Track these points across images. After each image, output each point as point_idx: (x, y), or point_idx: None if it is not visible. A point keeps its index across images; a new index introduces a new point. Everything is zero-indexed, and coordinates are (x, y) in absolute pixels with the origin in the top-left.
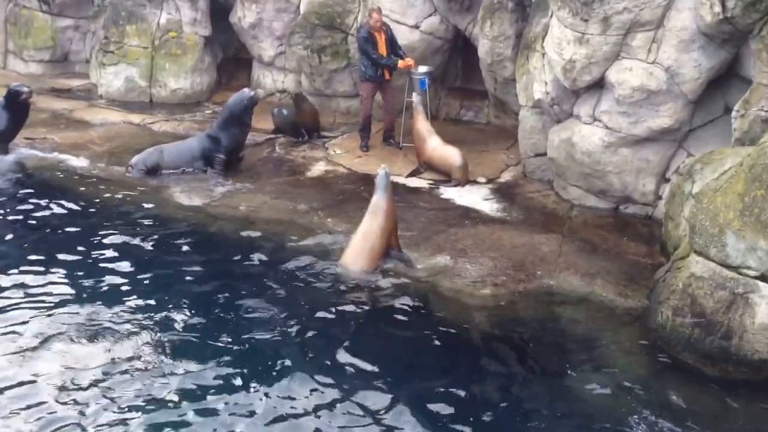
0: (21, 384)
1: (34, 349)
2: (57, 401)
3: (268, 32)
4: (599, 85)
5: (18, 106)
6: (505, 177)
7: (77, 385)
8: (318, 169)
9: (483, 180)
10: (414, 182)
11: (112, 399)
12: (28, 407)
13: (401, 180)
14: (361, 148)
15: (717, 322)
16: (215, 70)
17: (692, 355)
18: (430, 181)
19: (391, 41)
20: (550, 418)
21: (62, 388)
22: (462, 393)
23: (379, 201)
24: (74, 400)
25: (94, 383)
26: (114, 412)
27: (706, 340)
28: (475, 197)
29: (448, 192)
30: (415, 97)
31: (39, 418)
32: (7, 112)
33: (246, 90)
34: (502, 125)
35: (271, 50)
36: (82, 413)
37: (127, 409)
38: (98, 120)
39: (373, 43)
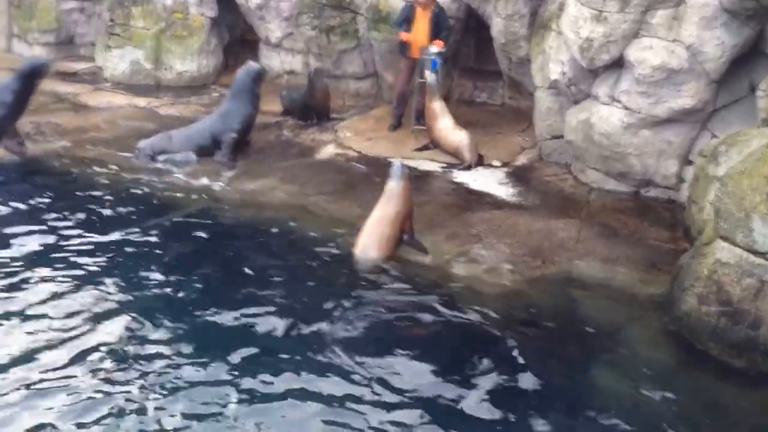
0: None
1: (35, 331)
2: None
3: (275, 13)
4: (618, 64)
5: (37, 82)
6: (521, 160)
7: (79, 364)
8: (327, 152)
9: (498, 163)
10: (426, 166)
11: (112, 383)
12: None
13: (412, 162)
14: (390, 127)
15: (744, 311)
16: (222, 52)
17: (718, 345)
18: (443, 165)
19: (437, 22)
20: (568, 410)
21: (63, 366)
22: (476, 382)
23: (394, 185)
24: (77, 381)
25: (93, 365)
26: (115, 398)
27: (733, 330)
28: (490, 181)
29: (461, 176)
30: (430, 76)
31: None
32: (22, 89)
33: (251, 62)
34: (517, 107)
35: (278, 31)
36: (84, 396)
37: (130, 396)
38: (104, 104)
39: (409, 18)
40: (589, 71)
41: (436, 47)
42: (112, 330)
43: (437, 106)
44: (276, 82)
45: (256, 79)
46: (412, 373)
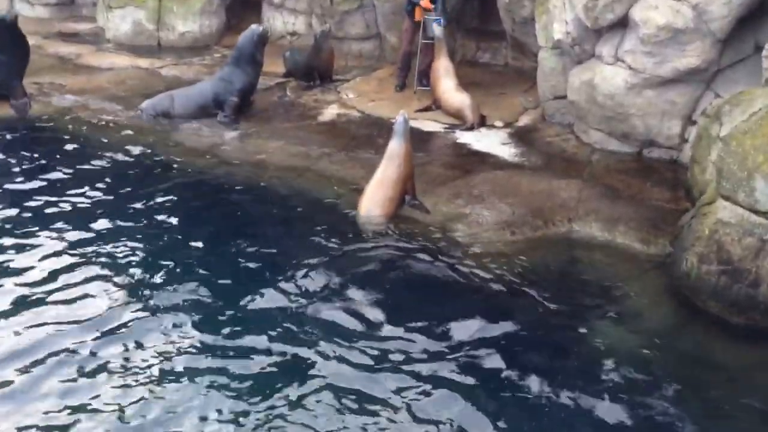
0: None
1: (38, 296)
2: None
3: None
4: (622, 23)
5: (12, 34)
6: (524, 121)
7: (84, 328)
8: (330, 113)
9: (500, 124)
10: (429, 126)
11: (117, 350)
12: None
13: (415, 123)
14: (395, 88)
15: (744, 270)
16: (224, 12)
17: (718, 303)
18: (445, 126)
19: None
20: (570, 371)
21: (65, 332)
22: (476, 341)
23: (396, 146)
24: (81, 347)
25: (97, 332)
26: (119, 366)
27: (733, 288)
28: (493, 142)
29: (464, 137)
30: (438, 29)
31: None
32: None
33: (254, 26)
34: (520, 67)
35: None
36: (89, 365)
37: (131, 364)
38: (106, 65)
39: None
40: (593, 31)
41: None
42: (114, 283)
43: (442, 66)
44: (278, 43)
45: (258, 43)
46: (411, 332)
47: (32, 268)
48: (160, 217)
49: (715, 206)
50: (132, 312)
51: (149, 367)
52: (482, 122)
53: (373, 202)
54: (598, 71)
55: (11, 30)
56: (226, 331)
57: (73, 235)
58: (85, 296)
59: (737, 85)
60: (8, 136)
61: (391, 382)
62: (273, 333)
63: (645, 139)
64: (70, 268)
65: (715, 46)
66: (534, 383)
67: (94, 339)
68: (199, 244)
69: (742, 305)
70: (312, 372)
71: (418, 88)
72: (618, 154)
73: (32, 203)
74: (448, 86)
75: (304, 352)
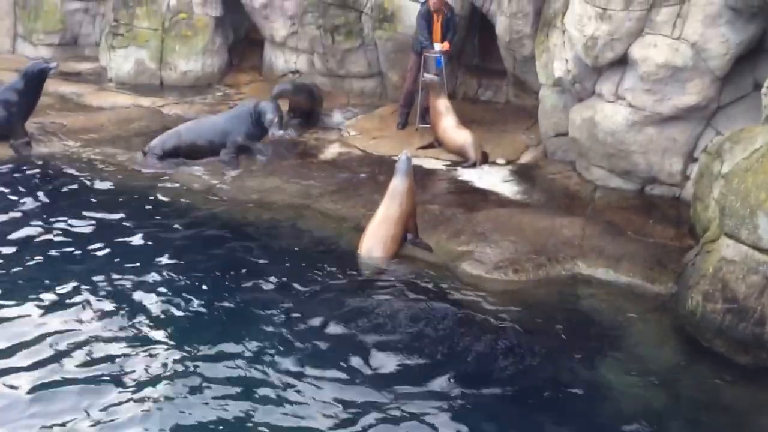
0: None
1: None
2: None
3: (279, 12)
4: (622, 61)
5: (40, 84)
6: (525, 158)
7: (88, 359)
8: (331, 151)
9: (502, 161)
10: (431, 164)
11: (117, 374)
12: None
13: (416, 160)
14: (397, 125)
15: (750, 308)
16: (226, 51)
17: (724, 342)
18: (447, 163)
19: (447, 25)
20: (575, 411)
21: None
22: (481, 381)
23: (398, 184)
24: (85, 376)
25: (97, 360)
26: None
27: (739, 327)
28: (495, 179)
29: (466, 174)
30: (434, 69)
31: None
32: (26, 91)
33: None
34: (521, 104)
35: (283, 30)
36: (90, 393)
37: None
38: (108, 104)
39: (429, 21)
40: (594, 69)
41: (439, 45)
42: (114, 327)
43: (441, 104)
44: (281, 80)
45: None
46: (412, 371)
47: (30, 308)
48: (159, 256)
49: (718, 244)
50: (134, 356)
51: (147, 399)
52: (484, 159)
53: (374, 241)
54: (598, 109)
55: (44, 79)
56: (221, 367)
57: (71, 274)
58: (82, 333)
59: (737, 122)
60: (8, 177)
61: (389, 423)
62: (270, 371)
63: (647, 176)
64: (67, 306)
65: (714, 83)
66: (535, 422)
67: (85, 371)
68: (197, 283)
69: (747, 344)
70: (308, 413)
71: (420, 126)
72: (620, 191)
73: (31, 243)
74: (448, 124)
75: (301, 392)
